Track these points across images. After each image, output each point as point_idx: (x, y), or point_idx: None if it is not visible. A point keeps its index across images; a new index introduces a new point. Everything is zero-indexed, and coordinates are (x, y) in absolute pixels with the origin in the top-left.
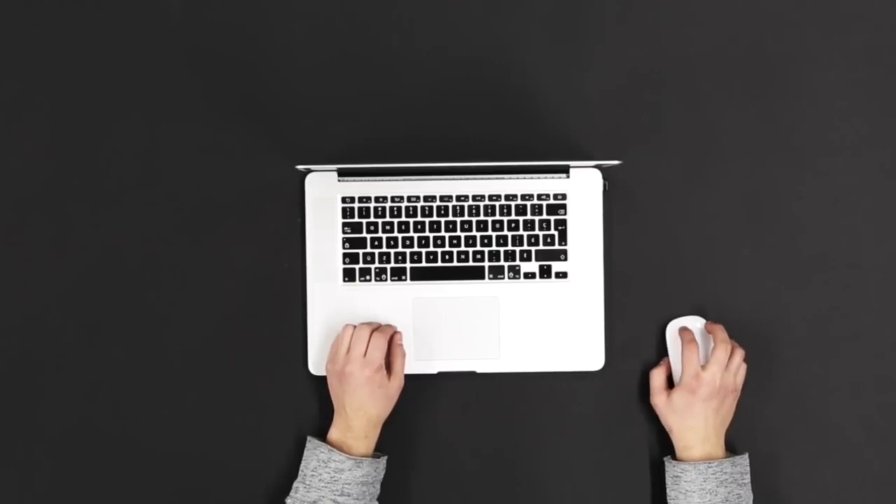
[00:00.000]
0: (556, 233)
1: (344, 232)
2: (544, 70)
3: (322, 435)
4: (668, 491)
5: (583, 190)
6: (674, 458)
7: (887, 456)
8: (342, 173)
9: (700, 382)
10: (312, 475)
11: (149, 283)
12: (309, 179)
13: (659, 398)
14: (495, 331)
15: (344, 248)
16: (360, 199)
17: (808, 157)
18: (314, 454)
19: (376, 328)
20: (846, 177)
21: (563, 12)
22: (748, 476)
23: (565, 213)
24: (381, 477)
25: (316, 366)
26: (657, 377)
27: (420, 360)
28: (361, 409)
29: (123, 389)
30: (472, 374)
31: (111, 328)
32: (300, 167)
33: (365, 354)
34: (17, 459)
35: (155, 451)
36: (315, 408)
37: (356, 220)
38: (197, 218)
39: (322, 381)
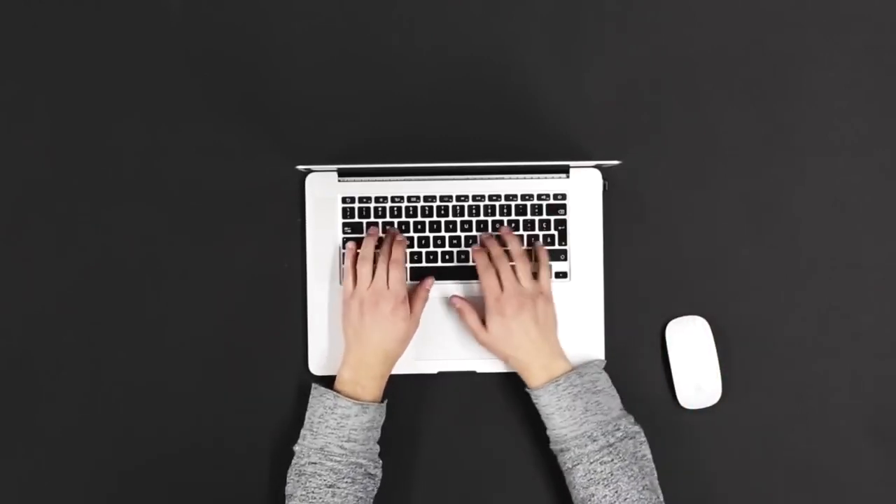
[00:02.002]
0: (556, 233)
1: (344, 232)
2: (544, 70)
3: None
4: (541, 417)
5: (583, 190)
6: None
7: (887, 456)
8: (342, 173)
9: (502, 302)
10: (319, 422)
11: (149, 283)
12: (309, 179)
13: (480, 335)
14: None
15: (344, 248)
16: (360, 199)
17: (808, 157)
18: (320, 401)
19: (388, 256)
20: (846, 177)
21: (563, 12)
22: (602, 382)
23: (565, 213)
24: (383, 421)
25: (316, 365)
26: (471, 319)
27: (420, 360)
28: (380, 344)
29: (123, 389)
30: (472, 374)
31: (111, 328)
32: (300, 167)
33: (388, 286)
34: (17, 459)
35: (155, 451)
36: None
37: (356, 220)
38: (197, 218)
39: (322, 381)
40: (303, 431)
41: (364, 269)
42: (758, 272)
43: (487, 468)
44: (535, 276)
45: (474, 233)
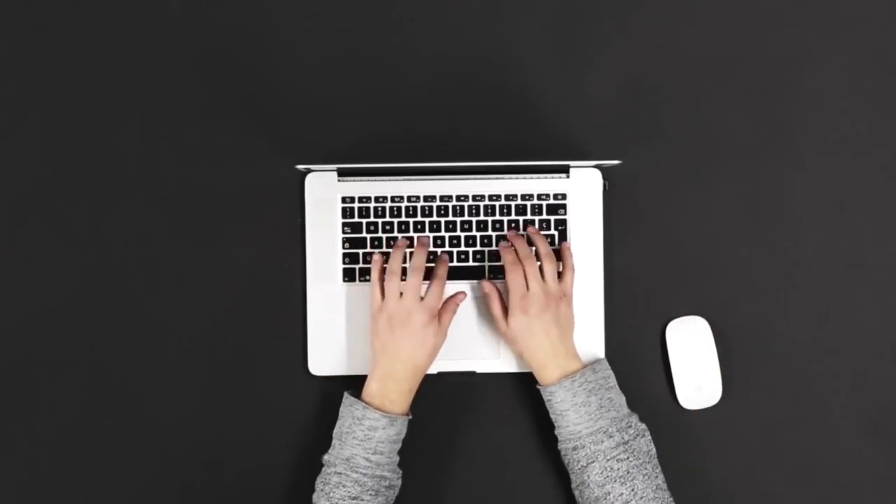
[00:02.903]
0: (556, 233)
1: (344, 232)
2: (544, 70)
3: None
4: (550, 417)
5: (583, 190)
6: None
7: (887, 456)
8: (342, 173)
9: (528, 301)
10: (347, 433)
11: (149, 283)
12: (309, 179)
13: (501, 326)
14: (496, 331)
15: (344, 248)
16: (360, 199)
17: (808, 157)
18: (350, 411)
19: (435, 279)
20: (846, 177)
21: (564, 12)
22: (613, 380)
23: (565, 213)
24: (405, 433)
25: (316, 366)
26: (495, 307)
27: None
28: (410, 357)
29: (123, 389)
30: (472, 374)
31: (111, 328)
32: (300, 167)
33: (422, 299)
34: (17, 460)
35: (155, 451)
36: (316, 408)
37: (356, 220)
38: (197, 218)
39: (322, 381)
40: (333, 441)
41: (392, 283)
42: (758, 272)
43: (488, 468)
44: (559, 276)
45: (474, 233)
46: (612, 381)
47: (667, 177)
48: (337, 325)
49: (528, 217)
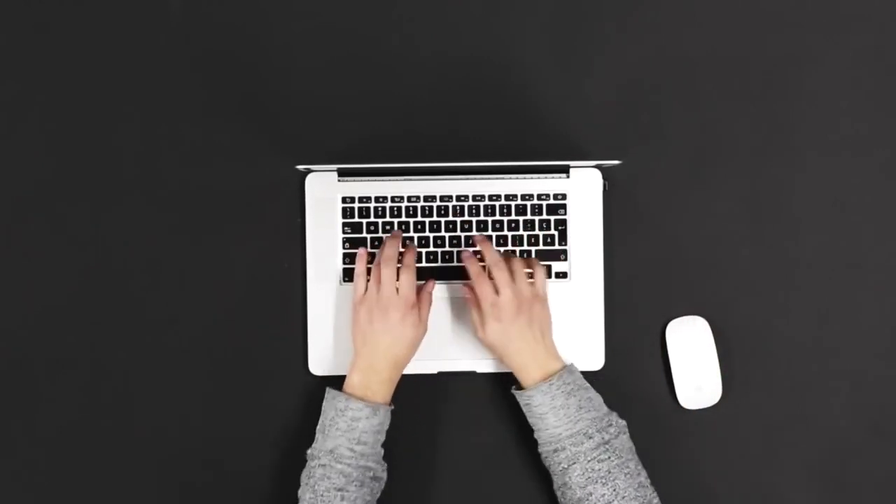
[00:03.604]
0: (556, 233)
1: (344, 232)
2: (544, 70)
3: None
4: (528, 420)
5: (583, 190)
6: (518, 388)
7: (887, 456)
8: (342, 173)
9: (499, 309)
10: (330, 424)
11: (149, 283)
12: (309, 179)
13: (479, 334)
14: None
15: (344, 248)
16: (360, 199)
17: (808, 157)
18: (332, 404)
19: (399, 262)
20: (846, 177)
21: (564, 12)
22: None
23: (565, 213)
24: (388, 425)
25: (316, 366)
26: (475, 313)
27: (420, 360)
28: (389, 350)
29: (123, 389)
30: (472, 374)
31: (111, 328)
32: (300, 167)
33: (398, 291)
34: (17, 460)
35: (155, 452)
36: (315, 408)
37: (356, 220)
38: (197, 218)
39: (322, 381)
40: (317, 435)
41: (375, 271)
42: (758, 272)
43: (487, 468)
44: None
45: (474, 233)
46: (585, 380)
47: (667, 177)
48: (337, 325)
49: (528, 217)
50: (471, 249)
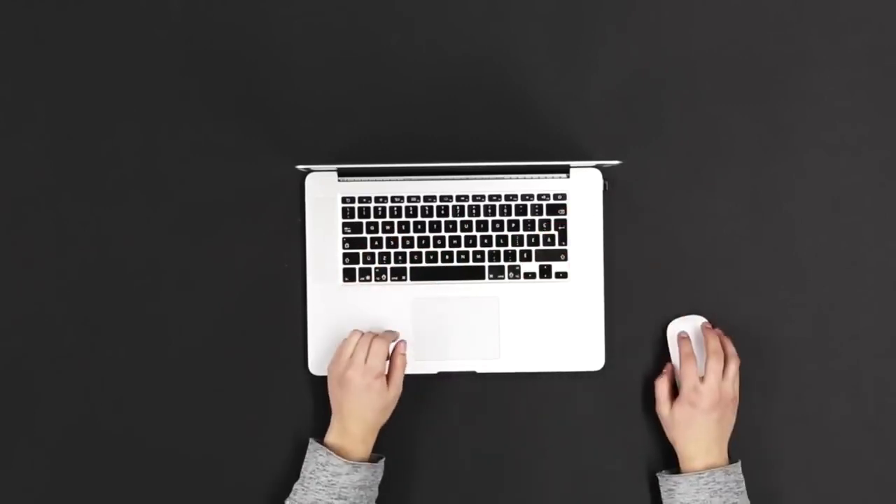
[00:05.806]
0: (556, 233)
1: (344, 232)
2: (544, 70)
3: (323, 435)
4: None
5: (583, 190)
6: (671, 471)
7: (887, 456)
8: (342, 173)
9: (700, 395)
10: (311, 478)
11: (149, 283)
12: (309, 179)
13: (663, 409)
14: (495, 331)
15: (344, 248)
16: (360, 199)
17: (808, 157)
18: (314, 456)
19: (379, 336)
20: (846, 177)
21: (564, 12)
22: (743, 484)
23: (565, 213)
24: (380, 479)
25: (316, 366)
26: (661, 388)
27: (420, 360)
28: (359, 415)
29: (123, 389)
30: (472, 374)
31: (111, 328)
32: (300, 167)
33: (366, 361)
34: (17, 460)
35: (154, 451)
36: (315, 408)
37: (356, 220)
38: (197, 218)
39: (322, 380)
40: (295, 486)
41: (352, 339)
42: (757, 272)
43: (487, 468)
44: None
45: (474, 233)
46: (743, 486)
47: (667, 177)
48: (337, 325)
49: (528, 217)
50: (685, 332)
